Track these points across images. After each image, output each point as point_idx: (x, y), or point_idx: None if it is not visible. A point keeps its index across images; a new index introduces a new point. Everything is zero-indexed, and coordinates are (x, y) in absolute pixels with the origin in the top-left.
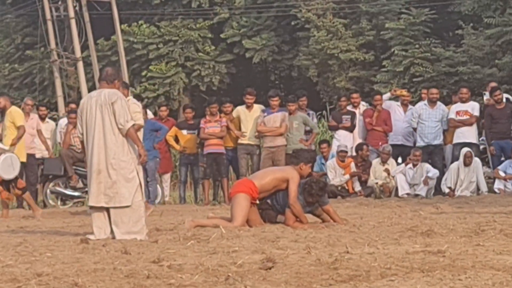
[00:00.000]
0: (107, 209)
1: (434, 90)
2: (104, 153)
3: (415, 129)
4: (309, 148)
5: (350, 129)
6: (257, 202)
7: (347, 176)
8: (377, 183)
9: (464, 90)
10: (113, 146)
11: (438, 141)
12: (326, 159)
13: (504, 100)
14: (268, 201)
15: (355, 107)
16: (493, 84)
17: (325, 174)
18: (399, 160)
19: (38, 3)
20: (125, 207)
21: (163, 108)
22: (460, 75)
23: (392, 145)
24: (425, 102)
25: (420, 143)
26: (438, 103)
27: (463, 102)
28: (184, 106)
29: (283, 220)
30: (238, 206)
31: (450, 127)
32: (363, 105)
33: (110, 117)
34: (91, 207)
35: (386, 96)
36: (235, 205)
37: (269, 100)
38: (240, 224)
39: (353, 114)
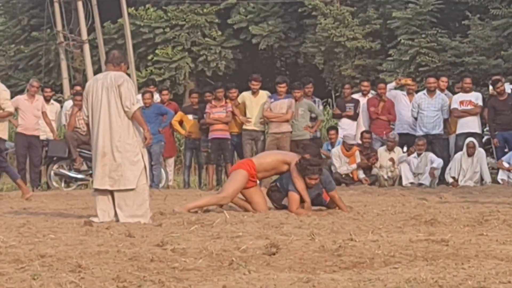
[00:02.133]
0: (111, 192)
1: (431, 80)
2: (109, 135)
3: (416, 119)
4: (314, 136)
5: (354, 117)
6: (257, 181)
7: (354, 166)
8: (384, 177)
9: (468, 79)
10: (119, 129)
11: (438, 130)
12: (333, 146)
13: (509, 91)
14: (277, 183)
15: (364, 95)
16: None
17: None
18: (405, 148)
19: None
20: (129, 190)
21: (165, 92)
22: (465, 66)
23: (398, 134)
24: (425, 91)
25: (419, 132)
26: (438, 92)
27: (466, 92)
28: (190, 91)
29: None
30: (232, 180)
31: (454, 117)
32: (372, 94)
33: (116, 100)
34: (95, 190)
35: (391, 85)
36: (229, 179)
37: (276, 87)
38: (229, 196)
39: (356, 103)
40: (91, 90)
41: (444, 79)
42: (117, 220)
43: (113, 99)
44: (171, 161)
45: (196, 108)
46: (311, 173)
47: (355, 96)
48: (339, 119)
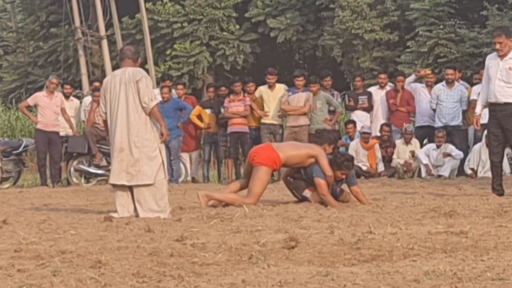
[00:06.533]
0: (131, 188)
1: (450, 71)
2: (126, 131)
3: (434, 110)
4: (333, 129)
5: (368, 109)
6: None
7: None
8: (400, 163)
9: (483, 71)
10: (136, 124)
11: (457, 122)
12: (352, 139)
13: None
14: (301, 171)
15: (382, 87)
16: None
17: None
18: (425, 141)
19: None
20: (147, 185)
21: (180, 86)
22: (484, 56)
23: (419, 127)
24: (443, 83)
25: (438, 123)
26: (456, 83)
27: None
28: (207, 85)
29: (309, 196)
30: (259, 182)
31: (473, 108)
32: (390, 86)
33: (134, 95)
34: (113, 185)
35: (410, 78)
36: (256, 179)
37: (294, 80)
38: (255, 202)
39: (369, 94)
40: (108, 87)
41: (450, 71)
42: (137, 215)
43: (131, 94)
44: (194, 155)
45: (213, 102)
46: (346, 168)
47: (372, 89)
48: (352, 111)
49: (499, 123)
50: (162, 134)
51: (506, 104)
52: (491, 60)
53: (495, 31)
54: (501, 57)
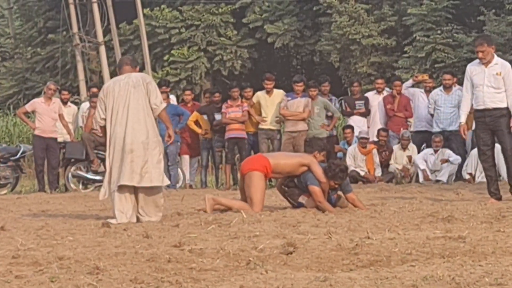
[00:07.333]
0: (130, 192)
1: (447, 76)
2: (136, 133)
3: (432, 115)
4: (330, 134)
5: (365, 114)
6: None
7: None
8: (397, 168)
9: None
10: (146, 126)
11: (454, 126)
12: (349, 144)
13: None
14: (295, 179)
15: (379, 92)
16: None
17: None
18: (423, 146)
19: None
20: (152, 187)
21: (188, 92)
22: None
23: (417, 132)
24: (441, 88)
25: (435, 129)
26: (454, 88)
27: None
28: (205, 91)
29: (305, 202)
30: (255, 188)
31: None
32: (387, 91)
33: (144, 97)
34: (119, 188)
35: (408, 83)
36: (252, 187)
37: (293, 85)
38: (260, 209)
39: (366, 100)
40: (111, 91)
41: (447, 76)
42: (137, 221)
43: (141, 97)
44: (194, 160)
45: (208, 108)
46: (340, 178)
47: (369, 94)
48: (349, 116)
49: (487, 128)
50: (169, 136)
51: (495, 109)
52: (475, 67)
53: (476, 40)
54: (485, 64)
